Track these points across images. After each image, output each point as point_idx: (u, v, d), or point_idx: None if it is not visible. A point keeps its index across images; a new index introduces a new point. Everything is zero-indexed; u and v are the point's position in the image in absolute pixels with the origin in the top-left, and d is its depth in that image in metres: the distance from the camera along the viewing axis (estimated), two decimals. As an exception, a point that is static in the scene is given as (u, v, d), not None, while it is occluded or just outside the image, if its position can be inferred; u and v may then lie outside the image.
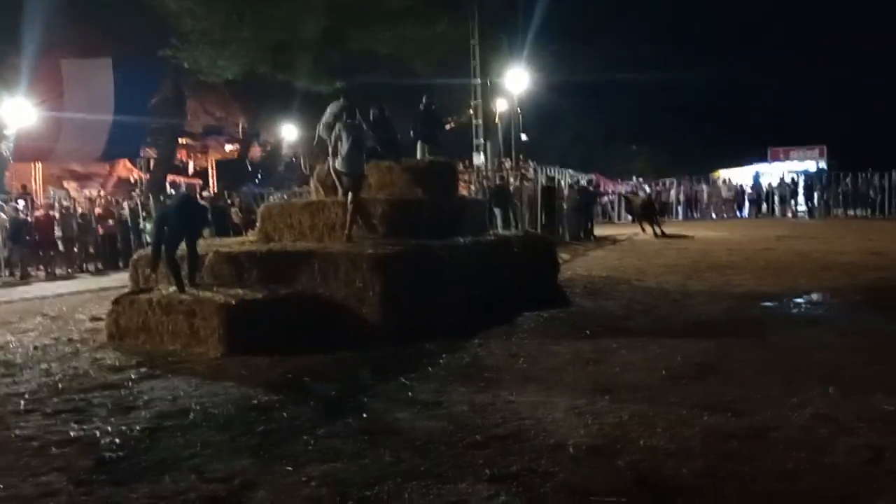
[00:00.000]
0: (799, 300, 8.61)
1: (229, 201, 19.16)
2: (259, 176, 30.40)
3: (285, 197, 17.63)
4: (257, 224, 9.66)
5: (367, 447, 3.96)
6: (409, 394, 5.01)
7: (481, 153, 19.23)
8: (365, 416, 4.55)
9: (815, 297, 8.84)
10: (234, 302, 6.72)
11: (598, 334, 6.79)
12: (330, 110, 9.22)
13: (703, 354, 5.85)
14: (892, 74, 37.15)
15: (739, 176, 33.94)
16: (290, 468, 3.68)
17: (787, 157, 35.90)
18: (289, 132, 29.11)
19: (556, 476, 3.46)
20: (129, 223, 16.50)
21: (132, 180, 26.58)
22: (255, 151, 32.58)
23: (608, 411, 4.40)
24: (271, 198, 18.91)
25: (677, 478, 3.37)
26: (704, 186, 31.57)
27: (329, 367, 5.86)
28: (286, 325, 6.80)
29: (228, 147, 31.82)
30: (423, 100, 11.13)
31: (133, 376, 5.77)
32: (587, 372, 5.44)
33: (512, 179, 17.66)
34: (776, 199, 29.94)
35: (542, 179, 17.23)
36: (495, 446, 3.89)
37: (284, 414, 4.65)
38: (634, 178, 32.93)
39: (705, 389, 4.86)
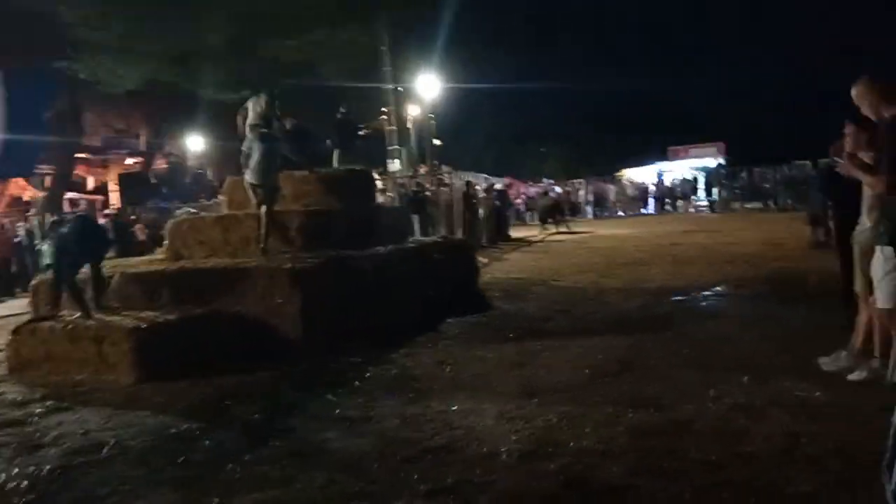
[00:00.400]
0: (707, 293, 8.99)
1: (133, 217, 18.33)
2: (164, 189, 29.24)
3: (192, 211, 17.02)
4: (165, 241, 9.28)
5: (298, 471, 3.84)
6: (337, 410, 4.90)
7: (397, 160, 19.17)
8: (292, 437, 4.42)
9: (722, 289, 9.24)
10: (144, 325, 6.41)
11: (521, 337, 6.87)
12: (253, 110, 8.59)
13: (623, 351, 6.01)
14: (783, 74, 39.61)
15: (643, 175, 35.35)
16: (217, 500, 3.51)
17: (687, 156, 37.63)
18: (195, 143, 28.17)
19: (492, 485, 3.45)
20: (25, 245, 15.51)
21: (26, 199, 25.05)
22: (160, 164, 31.35)
23: (537, 415, 4.44)
24: (178, 212, 18.20)
25: (608, 477, 3.43)
26: (611, 186, 32.72)
27: (250, 388, 5.67)
28: (202, 347, 6.54)
29: (130, 160, 30.49)
30: (340, 108, 10.99)
31: (39, 411, 5.38)
32: (513, 376, 5.49)
33: (428, 185, 17.69)
34: (679, 195, 31.37)
35: (458, 184, 17.33)
36: (429, 459, 3.86)
37: (206, 441, 4.45)
38: (545, 179, 33.68)
39: (627, 386, 4.99)
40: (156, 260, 9.04)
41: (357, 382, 5.62)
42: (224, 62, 19.98)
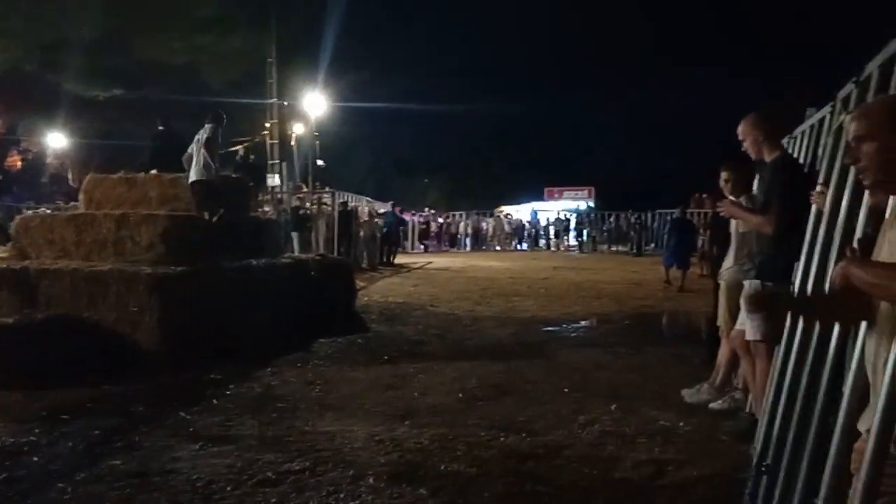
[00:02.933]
0: (577, 325, 9.22)
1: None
2: (14, 188, 26.75)
3: (47, 212, 15.63)
4: (10, 240, 8.39)
5: (138, 492, 3.44)
6: (190, 429, 4.48)
7: (276, 175, 18.56)
8: (136, 456, 3.97)
9: (590, 322, 9.52)
10: (-27, 327, 5.67)
11: (396, 359, 6.69)
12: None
13: (497, 376, 5.97)
14: (651, 125, 42.38)
15: (519, 212, 36.54)
16: (39, 524, 3.06)
17: (560, 196, 39.37)
18: (56, 140, 26.04)
19: (356, 510, 3.23)
20: None
21: None
22: (14, 160, 28.73)
23: (408, 437, 4.26)
24: (29, 212, 16.67)
25: (480, 502, 3.30)
26: (489, 220, 33.46)
27: (95, 402, 5.10)
28: (44, 355, 5.85)
29: (-21, 155, 27.69)
30: (159, 121, 9.98)
31: None
32: (386, 397, 5.28)
33: (309, 204, 17.22)
34: (551, 234, 32.59)
35: (338, 205, 16.99)
36: (289, 482, 3.57)
37: (35, 458, 3.92)
38: (427, 209, 33.93)
39: (500, 410, 4.92)
40: (-3, 258, 8.13)
41: (215, 400, 5.20)
42: (95, 56, 18.68)
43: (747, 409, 4.31)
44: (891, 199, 1.92)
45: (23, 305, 6.56)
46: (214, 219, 7.84)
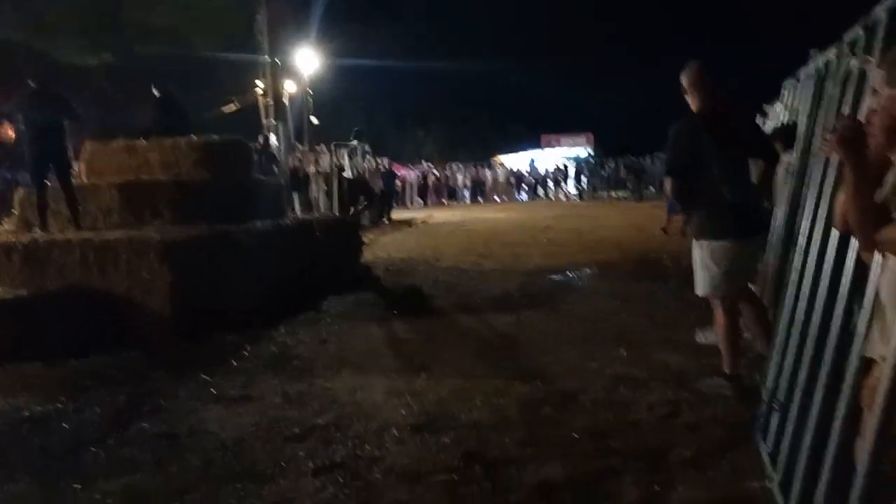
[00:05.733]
0: (581, 273, 9.31)
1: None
2: (6, 162, 26.52)
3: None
4: (14, 211, 8.40)
5: (170, 453, 3.56)
6: (213, 391, 4.60)
7: (272, 135, 18.41)
8: (163, 419, 4.09)
9: (594, 269, 9.60)
10: (-10, 301, 5.75)
11: (406, 314, 6.79)
12: None
13: (506, 327, 6.08)
14: (646, 72, 41.90)
15: (517, 161, 36.35)
16: (78, 486, 3.18)
17: (557, 144, 39.12)
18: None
19: (383, 461, 3.35)
20: None
21: None
22: (7, 131, 28.44)
23: (427, 389, 4.38)
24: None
25: (502, 449, 3.42)
26: (487, 171, 33.31)
27: (116, 370, 5.21)
28: (59, 326, 5.93)
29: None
30: (156, 88, 9.57)
31: None
32: (400, 352, 5.40)
33: (308, 163, 17.16)
34: (550, 182, 32.51)
35: (339, 163, 16.94)
36: (315, 437, 3.69)
37: (65, 425, 4.04)
38: (424, 162, 33.75)
39: (514, 360, 5.04)
40: (3, 231, 8.17)
41: (234, 362, 5.32)
42: (83, 22, 18.34)
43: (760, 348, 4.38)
44: None
45: (34, 277, 6.61)
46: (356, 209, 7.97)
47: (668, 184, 4.23)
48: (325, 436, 3.69)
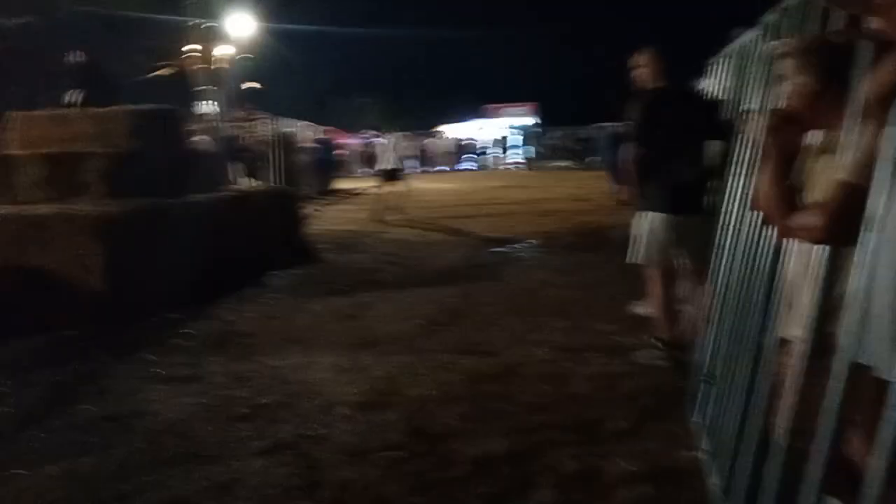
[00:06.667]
0: (524, 245, 9.48)
1: None
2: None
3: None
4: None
5: (115, 434, 3.53)
6: (157, 370, 4.54)
7: (206, 102, 17.86)
8: (106, 400, 4.03)
9: (537, 241, 9.78)
10: (-88, 281, 5.51)
11: (352, 288, 6.81)
12: None
13: (451, 300, 6.18)
14: (590, 38, 42.26)
15: (460, 131, 36.29)
16: (22, 471, 3.12)
17: (501, 114, 39.12)
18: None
19: (330, 438, 3.40)
20: None
21: None
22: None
23: (373, 365, 4.44)
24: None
25: (447, 423, 3.51)
26: (430, 140, 33.24)
27: (53, 349, 5.08)
28: (-8, 305, 5.75)
29: None
30: (80, 52, 9.01)
31: None
32: (346, 328, 5.43)
33: (245, 131, 16.76)
34: (492, 152, 32.68)
35: (277, 131, 16.58)
36: (262, 416, 3.71)
37: (4, 409, 3.94)
38: (370, 131, 33.38)
39: (458, 334, 5.14)
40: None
41: (177, 340, 5.26)
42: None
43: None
44: (810, 135, 2.07)
45: (-41, 255, 6.35)
46: None
47: (632, 152, 4.30)
48: (272, 415, 3.72)
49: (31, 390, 4.23)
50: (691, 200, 4.15)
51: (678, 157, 4.06)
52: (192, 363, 4.65)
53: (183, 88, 19.61)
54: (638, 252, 4.28)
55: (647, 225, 4.20)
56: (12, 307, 5.82)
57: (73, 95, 8.83)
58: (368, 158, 29.23)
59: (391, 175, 13.36)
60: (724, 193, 3.42)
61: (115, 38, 18.64)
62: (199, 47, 18.93)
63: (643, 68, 4.30)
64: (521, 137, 32.10)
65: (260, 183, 13.68)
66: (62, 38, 16.56)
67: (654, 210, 4.18)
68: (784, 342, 2.12)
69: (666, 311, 4.20)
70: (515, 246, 9.31)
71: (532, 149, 31.45)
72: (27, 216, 6.46)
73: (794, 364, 1.88)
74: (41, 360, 4.84)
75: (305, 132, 19.26)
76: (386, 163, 13.68)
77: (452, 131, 36.34)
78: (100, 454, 3.31)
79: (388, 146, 13.97)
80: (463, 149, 33.37)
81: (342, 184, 20.97)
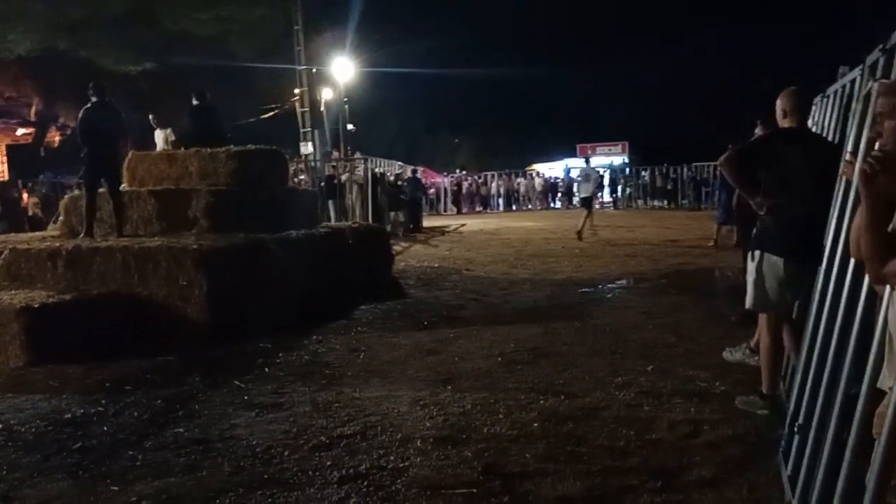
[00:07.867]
0: (612, 285, 9.30)
1: (24, 191, 17.14)
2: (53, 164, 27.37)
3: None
4: (60, 217, 8.74)
5: (203, 458, 3.70)
6: (246, 397, 4.75)
7: (309, 142, 18.74)
8: (197, 424, 4.24)
9: (625, 282, 9.59)
10: (36, 304, 6.01)
11: (435, 324, 6.88)
12: None
13: (534, 339, 6.13)
14: (683, 81, 41.58)
15: (552, 170, 36.27)
16: (115, 488, 3.33)
17: (593, 153, 38.88)
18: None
19: (406, 472, 3.43)
20: None
21: None
22: (53, 136, 29.34)
23: (451, 401, 4.46)
24: (77, 191, 17.17)
25: (522, 463, 3.48)
26: (521, 180, 33.29)
27: (153, 373, 5.40)
28: (100, 329, 6.19)
29: (21, 131, 28.33)
30: (195, 96, 9.72)
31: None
32: (427, 363, 5.48)
33: (341, 171, 17.42)
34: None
35: (372, 171, 17.15)
36: (342, 446, 3.79)
37: (104, 427, 4.21)
38: (459, 170, 33.89)
39: (539, 373, 5.08)
40: (49, 236, 8.49)
41: (266, 368, 5.47)
42: (124, 31, 18.89)
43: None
44: None
45: (77, 281, 6.87)
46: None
47: (728, 161, 4.09)
48: (351, 445, 3.80)
49: (129, 411, 4.51)
50: (813, 246, 3.90)
51: (805, 201, 3.84)
52: (279, 391, 4.82)
53: (289, 129, 20.68)
54: (754, 297, 4.02)
55: (764, 269, 3.97)
56: (118, 332, 6.26)
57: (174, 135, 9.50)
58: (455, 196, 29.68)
59: (587, 202, 15.87)
60: (827, 238, 3.28)
61: (228, 84, 19.97)
62: (305, 89, 19.91)
63: (787, 110, 4.08)
64: (611, 176, 31.63)
65: (353, 220, 14.12)
66: (181, 84, 17.93)
67: (774, 254, 3.92)
68: (880, 394, 2.00)
69: (773, 361, 3.95)
70: (602, 286, 9.15)
71: (620, 188, 30.93)
72: (138, 249, 6.95)
73: (889, 415, 1.78)
74: (140, 382, 5.15)
75: (397, 171, 19.76)
76: (586, 192, 16.08)
77: (544, 170, 36.35)
78: (187, 475, 3.48)
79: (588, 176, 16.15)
80: (553, 187, 33.22)
81: (431, 221, 21.31)
